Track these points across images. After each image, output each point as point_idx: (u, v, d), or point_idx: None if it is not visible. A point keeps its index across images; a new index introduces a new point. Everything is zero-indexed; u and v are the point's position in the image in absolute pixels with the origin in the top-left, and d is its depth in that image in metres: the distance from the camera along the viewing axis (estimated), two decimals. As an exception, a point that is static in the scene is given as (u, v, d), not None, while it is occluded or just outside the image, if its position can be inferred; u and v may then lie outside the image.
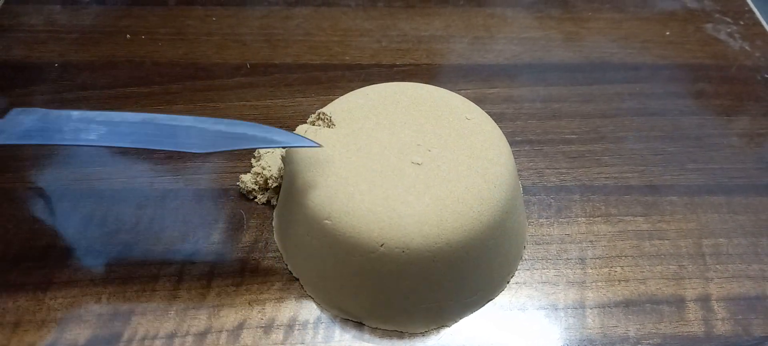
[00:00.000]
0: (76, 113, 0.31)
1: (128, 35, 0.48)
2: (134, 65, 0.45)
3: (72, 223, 0.35)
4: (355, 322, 0.32)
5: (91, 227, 0.35)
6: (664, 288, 0.34)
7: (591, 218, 0.37)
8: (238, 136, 0.30)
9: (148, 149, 0.31)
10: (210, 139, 0.30)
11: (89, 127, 0.30)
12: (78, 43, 0.47)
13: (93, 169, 0.38)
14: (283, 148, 0.31)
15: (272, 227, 0.35)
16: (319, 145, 0.31)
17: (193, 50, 0.47)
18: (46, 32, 0.48)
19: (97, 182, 0.37)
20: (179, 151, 0.29)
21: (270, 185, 0.36)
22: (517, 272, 0.34)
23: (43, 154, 0.39)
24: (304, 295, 0.32)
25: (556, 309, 0.33)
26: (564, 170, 0.39)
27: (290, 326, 0.31)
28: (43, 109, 0.31)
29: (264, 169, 0.36)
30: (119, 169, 0.38)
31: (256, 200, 0.36)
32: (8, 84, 0.43)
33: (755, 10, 0.53)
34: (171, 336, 0.31)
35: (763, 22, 0.52)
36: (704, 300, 0.33)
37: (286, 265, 0.33)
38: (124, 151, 0.39)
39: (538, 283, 0.34)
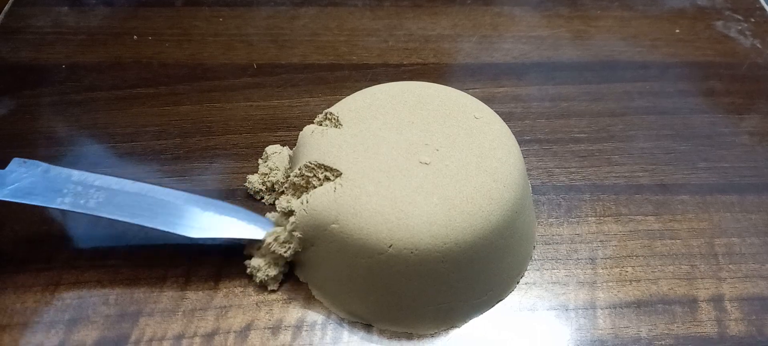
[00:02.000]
0: (76, 174, 0.32)
1: (135, 36, 0.48)
2: (141, 66, 0.45)
3: (80, 224, 0.35)
4: (364, 324, 0.31)
5: (99, 228, 0.35)
6: (676, 288, 0.33)
7: (601, 218, 0.36)
8: (226, 224, 0.31)
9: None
10: (201, 223, 0.31)
11: (88, 192, 0.31)
12: (85, 45, 0.47)
13: (101, 171, 0.37)
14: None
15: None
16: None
17: (200, 51, 0.47)
18: (53, 34, 0.48)
19: (104, 183, 0.37)
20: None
21: (277, 189, 0.36)
22: (526, 272, 0.34)
23: (51, 156, 0.39)
24: (311, 296, 0.32)
25: (566, 310, 0.32)
26: (574, 170, 0.39)
27: (298, 328, 0.31)
28: (44, 164, 0.32)
29: (271, 170, 0.36)
30: (127, 170, 0.38)
31: (263, 200, 0.36)
32: (16, 86, 0.43)
33: (766, 6, 0.53)
34: (179, 337, 0.31)
35: (775, 19, 0.52)
36: (717, 300, 0.33)
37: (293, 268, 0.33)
38: (130, 151, 0.39)
39: (548, 283, 0.33)
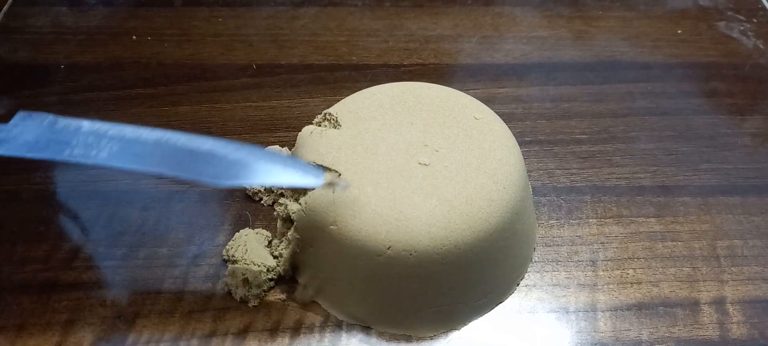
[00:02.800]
0: (86, 124, 0.28)
1: (134, 36, 0.48)
2: (140, 66, 0.45)
3: (77, 225, 0.35)
4: (362, 326, 0.31)
5: (96, 228, 0.35)
6: (678, 291, 0.33)
7: (602, 220, 0.36)
8: (259, 171, 0.27)
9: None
10: (230, 169, 0.27)
11: (100, 142, 0.27)
12: (84, 45, 0.47)
13: (98, 171, 0.38)
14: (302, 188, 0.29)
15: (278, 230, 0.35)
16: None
17: (199, 51, 0.47)
18: (52, 34, 0.48)
19: (102, 184, 0.37)
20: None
21: (275, 190, 0.35)
22: (526, 274, 0.33)
23: (48, 155, 0.38)
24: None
25: (567, 312, 0.32)
26: (574, 171, 0.39)
27: (296, 330, 0.31)
28: (51, 116, 0.28)
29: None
30: (125, 171, 0.38)
31: (262, 201, 0.36)
32: (15, 85, 0.43)
33: (769, 7, 0.53)
34: (176, 339, 0.30)
35: (777, 20, 0.51)
36: (719, 303, 0.33)
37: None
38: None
39: (549, 286, 0.33)
